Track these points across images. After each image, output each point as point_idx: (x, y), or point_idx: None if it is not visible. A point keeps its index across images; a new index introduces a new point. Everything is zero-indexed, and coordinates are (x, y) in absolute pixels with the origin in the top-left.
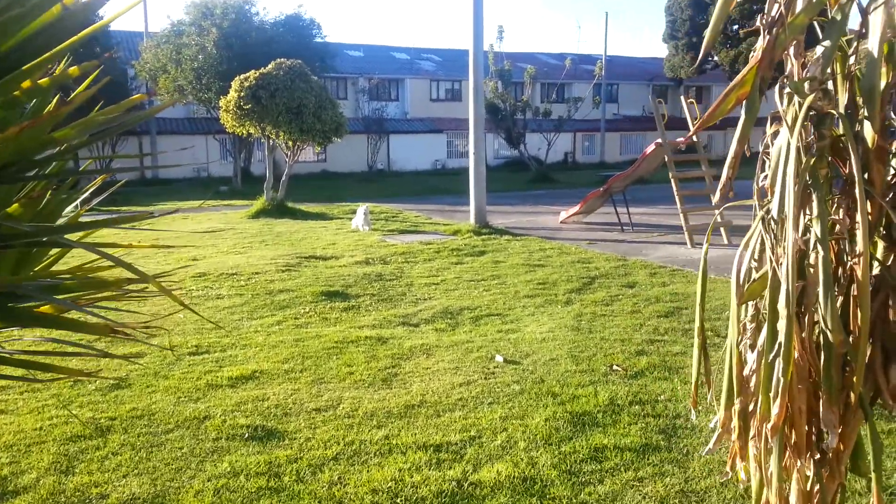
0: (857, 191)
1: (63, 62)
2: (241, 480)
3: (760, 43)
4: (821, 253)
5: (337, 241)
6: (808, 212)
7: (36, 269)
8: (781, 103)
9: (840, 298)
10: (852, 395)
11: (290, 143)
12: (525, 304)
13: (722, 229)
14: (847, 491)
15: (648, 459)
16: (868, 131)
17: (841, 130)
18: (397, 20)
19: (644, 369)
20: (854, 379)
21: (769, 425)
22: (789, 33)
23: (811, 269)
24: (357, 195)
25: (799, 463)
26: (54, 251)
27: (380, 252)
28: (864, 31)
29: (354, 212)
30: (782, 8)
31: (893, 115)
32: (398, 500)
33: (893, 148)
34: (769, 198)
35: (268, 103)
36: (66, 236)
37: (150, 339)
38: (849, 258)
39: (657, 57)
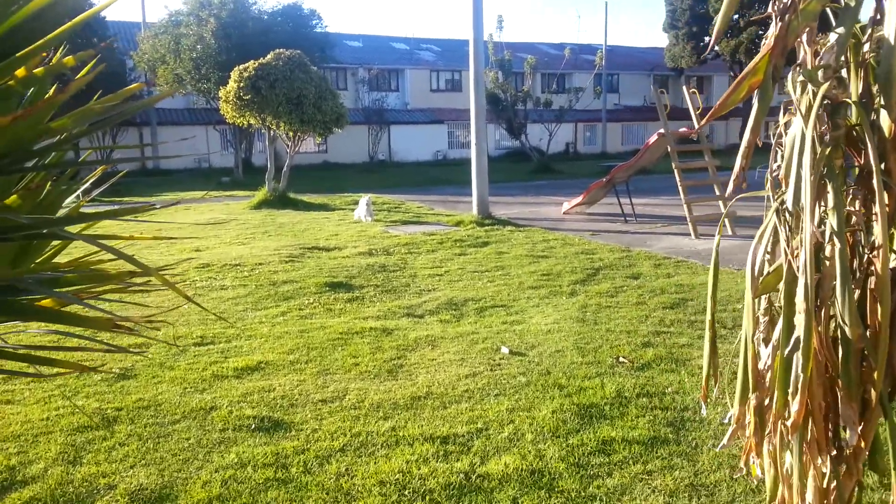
0: (874, 181)
1: (60, 51)
2: (248, 472)
3: (773, 30)
4: (837, 245)
5: (340, 232)
6: (822, 203)
7: (37, 261)
8: (795, 92)
9: (857, 292)
10: (873, 391)
11: (291, 134)
12: (529, 295)
13: (726, 220)
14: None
15: (657, 452)
16: (885, 120)
17: (855, 120)
18: (396, 10)
19: (651, 361)
20: (875, 375)
21: (789, 422)
22: (802, 20)
23: (826, 262)
24: (358, 186)
25: (821, 460)
26: (55, 243)
27: (383, 243)
28: (878, 17)
29: (356, 203)
30: None
31: None
32: (406, 493)
33: None
34: (783, 189)
35: (268, 94)
36: (66, 228)
37: (155, 330)
38: (865, 250)
39: (658, 47)
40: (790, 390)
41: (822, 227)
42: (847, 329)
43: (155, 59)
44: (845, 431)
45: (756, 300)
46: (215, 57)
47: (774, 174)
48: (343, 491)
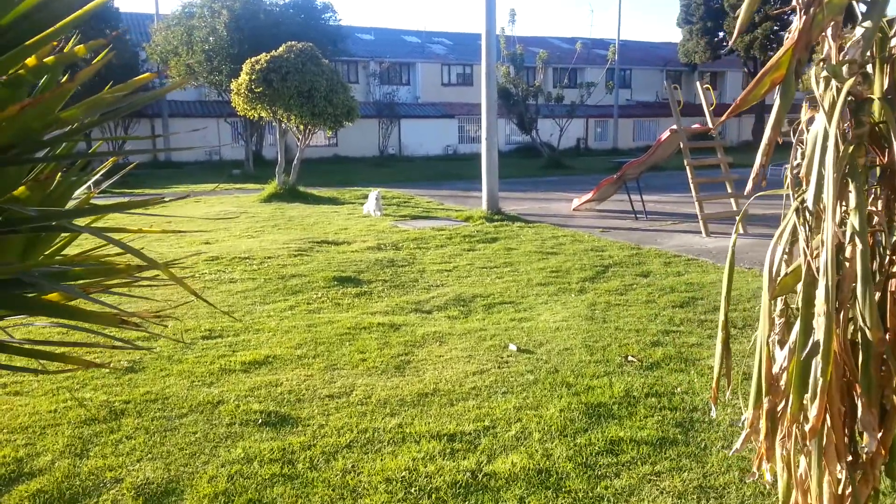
0: None
1: (72, 41)
2: (254, 467)
3: (796, 23)
4: (859, 246)
5: (349, 226)
6: (843, 203)
7: (46, 252)
8: (818, 88)
9: (877, 294)
10: (894, 396)
11: (302, 127)
12: (538, 292)
13: (738, 218)
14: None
15: (665, 453)
16: None
17: (879, 117)
18: (408, 3)
19: (660, 360)
20: (895, 381)
21: (807, 427)
22: (827, 13)
23: (846, 263)
24: (368, 180)
25: (839, 467)
26: (65, 235)
27: (392, 238)
28: None
29: (366, 197)
30: None
31: None
32: (412, 490)
33: None
34: (804, 187)
35: (279, 86)
36: (74, 221)
37: (163, 325)
38: (887, 251)
39: (671, 42)
40: (808, 395)
41: (843, 227)
42: (868, 332)
43: (167, 50)
44: (861, 437)
45: (772, 301)
46: (227, 49)
47: (795, 172)
48: (349, 488)
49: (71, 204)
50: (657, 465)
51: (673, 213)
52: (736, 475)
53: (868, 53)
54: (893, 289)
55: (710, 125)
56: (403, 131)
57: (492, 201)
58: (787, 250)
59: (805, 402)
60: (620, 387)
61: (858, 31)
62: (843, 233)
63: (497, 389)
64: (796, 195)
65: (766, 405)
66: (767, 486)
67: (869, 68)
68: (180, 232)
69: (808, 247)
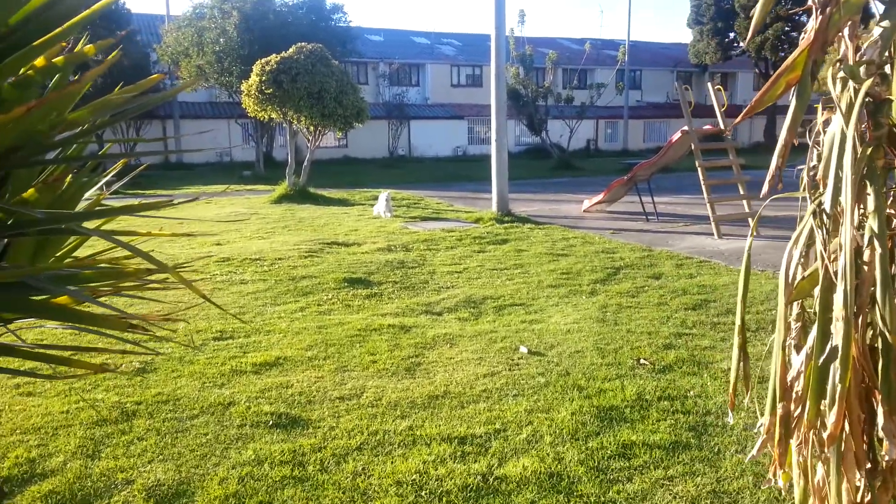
0: None
1: (82, 42)
2: (265, 469)
3: (812, 24)
4: (878, 250)
5: (359, 228)
6: (861, 205)
7: (58, 254)
8: (834, 89)
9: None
10: None
11: (312, 128)
12: (549, 294)
13: (751, 220)
14: None
15: (678, 458)
16: None
17: None
18: (417, 4)
19: (672, 363)
20: None
21: (825, 434)
22: (844, 13)
23: (865, 267)
24: (378, 181)
25: (858, 474)
26: (75, 237)
27: (402, 239)
28: None
29: (376, 198)
30: None
31: None
32: (423, 493)
33: None
34: (821, 190)
35: (289, 88)
36: (84, 223)
37: (171, 332)
38: None
39: (681, 42)
40: (826, 401)
41: (862, 230)
42: (888, 336)
43: (178, 52)
44: (881, 444)
45: (788, 306)
46: (237, 50)
47: (811, 174)
48: (360, 491)
49: (81, 206)
50: (670, 469)
51: (684, 215)
52: (750, 480)
53: (886, 54)
54: None
55: (722, 126)
56: (413, 132)
57: (502, 203)
58: (803, 254)
59: (823, 408)
60: (632, 390)
61: (876, 30)
62: (862, 236)
63: (508, 392)
64: (813, 198)
65: (779, 411)
66: (782, 493)
67: (887, 69)
68: (190, 235)
69: (825, 250)
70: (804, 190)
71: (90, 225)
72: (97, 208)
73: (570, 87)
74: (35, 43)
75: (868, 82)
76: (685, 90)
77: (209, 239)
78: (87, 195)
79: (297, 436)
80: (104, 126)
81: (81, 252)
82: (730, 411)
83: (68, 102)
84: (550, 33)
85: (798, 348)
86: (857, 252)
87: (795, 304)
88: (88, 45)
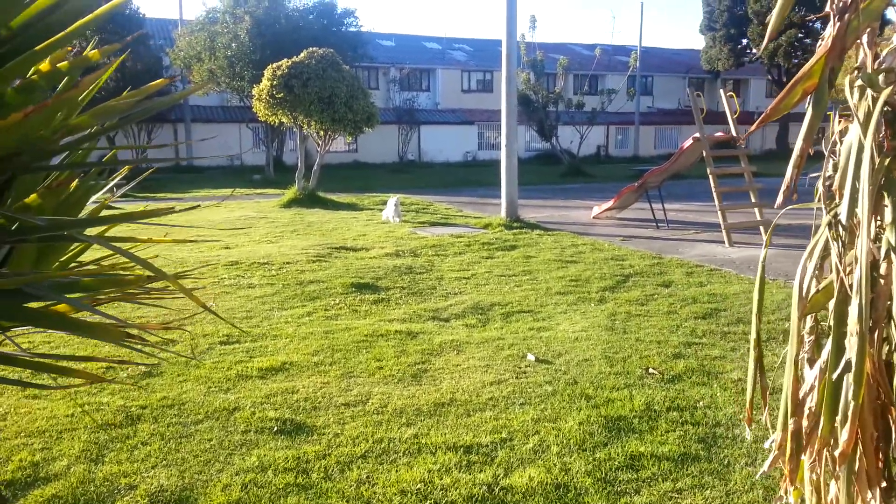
0: None
1: (90, 46)
2: (268, 476)
3: (830, 30)
4: (895, 263)
5: (367, 233)
6: (878, 217)
7: (62, 258)
8: (852, 97)
9: None
10: None
11: (322, 133)
12: (557, 301)
13: (762, 228)
14: None
15: (687, 470)
16: None
17: None
18: (429, 9)
19: (681, 373)
20: None
21: (837, 451)
22: (863, 19)
23: (881, 281)
24: (387, 186)
25: (870, 495)
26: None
27: (410, 244)
28: None
29: (385, 203)
30: None
31: None
32: (427, 503)
33: None
34: (837, 201)
35: (300, 92)
36: (87, 229)
37: (170, 337)
38: None
39: (693, 48)
40: (839, 418)
41: (878, 242)
42: None
43: (190, 56)
44: None
45: (801, 319)
46: (249, 55)
47: (827, 184)
48: (363, 499)
49: (86, 211)
50: (679, 481)
51: (695, 223)
52: (760, 494)
53: None
54: None
55: (734, 133)
56: (423, 137)
57: (511, 208)
58: (817, 266)
59: (836, 424)
60: (641, 400)
61: (895, 38)
62: (878, 249)
63: (515, 400)
64: (828, 209)
65: (791, 426)
66: None
67: None
68: (191, 241)
69: (840, 263)
70: (819, 200)
71: (93, 231)
72: (100, 214)
73: (581, 92)
74: (37, 48)
75: (887, 91)
76: (697, 97)
77: (218, 242)
78: (94, 198)
79: (301, 442)
80: (108, 131)
81: (86, 256)
82: (746, 427)
83: (69, 107)
84: (561, 39)
85: (811, 362)
86: (874, 265)
87: (809, 316)
88: (93, 50)
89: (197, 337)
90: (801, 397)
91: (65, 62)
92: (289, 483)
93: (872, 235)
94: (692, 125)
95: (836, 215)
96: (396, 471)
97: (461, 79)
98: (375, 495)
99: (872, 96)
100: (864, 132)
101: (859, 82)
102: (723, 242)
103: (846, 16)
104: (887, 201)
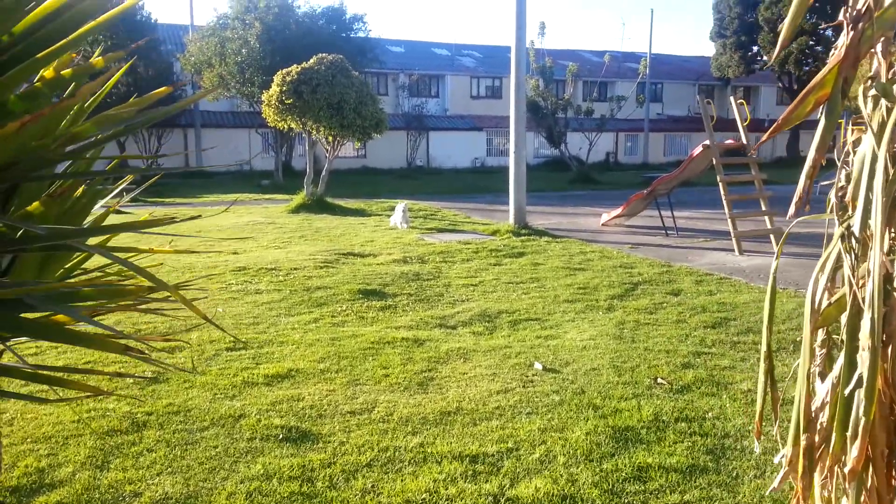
0: None
1: (97, 52)
2: (273, 484)
3: (843, 39)
4: None
5: (375, 239)
6: (892, 230)
7: (67, 266)
8: (865, 107)
9: None
10: None
11: (331, 139)
12: (565, 309)
13: (772, 236)
14: None
15: (696, 482)
16: None
17: None
18: (438, 16)
19: (690, 383)
20: None
21: (847, 468)
22: (877, 28)
23: (895, 294)
24: (396, 192)
25: None
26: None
27: (418, 251)
28: None
29: (393, 209)
30: (870, 0)
31: None
32: None
33: None
34: (850, 212)
35: (309, 98)
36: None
37: (167, 353)
38: None
39: (703, 56)
40: (849, 433)
41: (892, 255)
42: None
43: (201, 61)
44: None
45: (813, 332)
46: (259, 61)
47: (839, 195)
48: None
49: (92, 217)
50: (686, 493)
51: (705, 230)
52: None
53: None
54: None
55: (744, 141)
56: (432, 143)
57: (519, 215)
58: (830, 278)
59: (847, 440)
60: (649, 410)
61: None
62: (892, 262)
63: (521, 410)
64: (841, 220)
65: (803, 442)
66: None
67: None
68: (192, 252)
69: (853, 275)
70: (831, 211)
71: (96, 240)
72: (106, 221)
73: (590, 99)
74: (39, 55)
75: None
76: (707, 104)
77: (226, 247)
78: (101, 203)
79: (306, 450)
80: (113, 138)
81: (91, 263)
82: (756, 441)
83: (76, 115)
84: (571, 45)
85: (822, 376)
86: (887, 278)
87: (820, 329)
88: (97, 57)
89: (204, 343)
90: (813, 413)
91: (68, 69)
92: (293, 492)
93: (886, 248)
94: (702, 132)
95: (848, 227)
96: (402, 480)
97: (470, 85)
98: None
99: (887, 106)
100: (879, 143)
101: (873, 92)
102: (733, 251)
103: (860, 25)
104: None
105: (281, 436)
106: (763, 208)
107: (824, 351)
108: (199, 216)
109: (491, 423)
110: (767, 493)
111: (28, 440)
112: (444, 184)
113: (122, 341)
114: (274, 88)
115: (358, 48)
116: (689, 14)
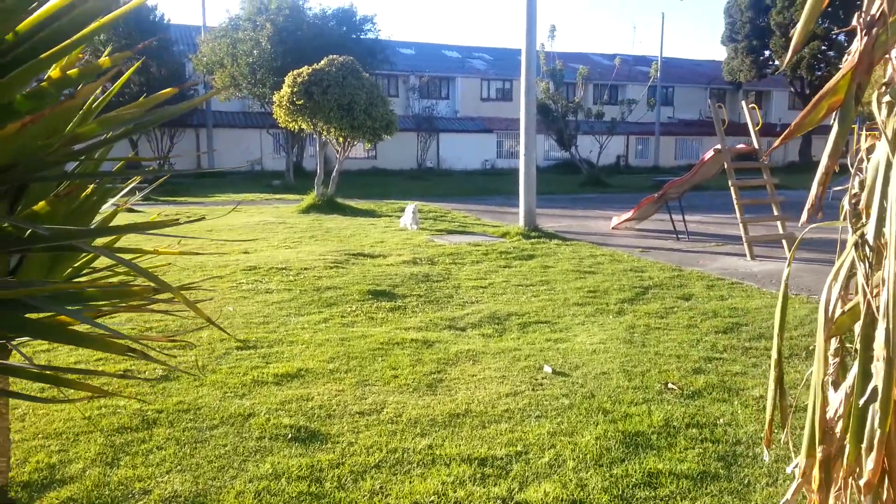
0: None
1: (107, 52)
2: (282, 483)
3: (856, 45)
4: None
5: (385, 240)
6: None
7: (75, 265)
8: (879, 114)
9: None
10: None
11: (341, 140)
12: (575, 312)
13: (784, 241)
14: None
15: (706, 489)
16: None
17: None
18: (449, 18)
19: (701, 389)
20: None
21: (862, 481)
22: (891, 34)
23: None
24: (406, 193)
25: None
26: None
27: (427, 252)
28: None
29: (403, 210)
30: (884, 5)
31: None
32: None
33: None
34: (864, 220)
35: (320, 99)
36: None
37: (170, 357)
38: None
39: (715, 59)
40: (864, 445)
41: None
42: None
43: (213, 62)
44: None
45: (827, 341)
46: (270, 62)
47: (853, 203)
48: None
49: (100, 216)
50: (697, 500)
51: (716, 235)
52: None
53: None
54: None
55: (756, 145)
56: (442, 145)
57: (529, 217)
58: (843, 286)
59: (862, 452)
60: (660, 415)
61: None
62: None
63: (531, 413)
64: (855, 228)
65: (819, 454)
66: None
67: None
68: (196, 254)
69: (867, 284)
70: (845, 218)
71: (103, 240)
72: (114, 220)
73: (601, 102)
74: (43, 55)
75: None
76: (718, 108)
77: (237, 247)
78: (111, 202)
79: (315, 450)
80: (119, 139)
81: (99, 263)
82: (766, 449)
83: (84, 115)
84: (581, 48)
85: (836, 385)
86: None
87: (834, 338)
88: (111, 56)
89: (214, 342)
90: (828, 422)
91: (75, 69)
92: (302, 492)
93: None
94: (713, 136)
95: (862, 235)
96: (410, 482)
97: (480, 87)
98: None
99: None
100: (893, 150)
101: (887, 98)
102: (744, 255)
103: (874, 30)
104: None
105: (290, 435)
106: (775, 213)
107: (837, 360)
108: (204, 218)
109: (500, 426)
110: None
111: (39, 436)
112: (454, 185)
113: (124, 342)
114: (285, 89)
115: (368, 50)
116: (701, 18)
